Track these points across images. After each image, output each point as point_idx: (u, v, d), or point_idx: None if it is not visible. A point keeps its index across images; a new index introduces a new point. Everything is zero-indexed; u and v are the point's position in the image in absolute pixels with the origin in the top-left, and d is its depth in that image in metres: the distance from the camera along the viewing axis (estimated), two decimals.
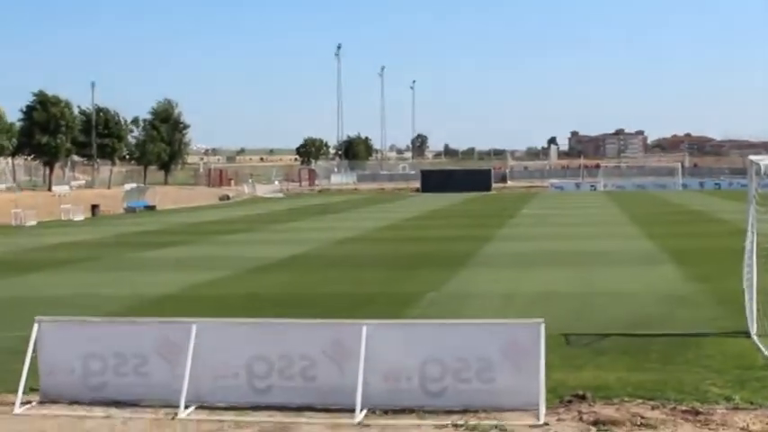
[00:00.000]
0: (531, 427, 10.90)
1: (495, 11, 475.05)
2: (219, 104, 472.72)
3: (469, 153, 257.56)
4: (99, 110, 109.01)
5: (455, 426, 10.94)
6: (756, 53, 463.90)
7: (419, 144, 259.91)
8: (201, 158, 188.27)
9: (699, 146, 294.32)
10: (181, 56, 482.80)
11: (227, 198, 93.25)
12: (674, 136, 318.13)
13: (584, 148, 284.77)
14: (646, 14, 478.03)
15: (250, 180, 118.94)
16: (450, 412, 11.34)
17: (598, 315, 18.71)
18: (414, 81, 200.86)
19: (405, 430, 10.97)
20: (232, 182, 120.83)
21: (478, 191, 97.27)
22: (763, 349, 14.64)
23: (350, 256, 31.99)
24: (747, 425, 10.82)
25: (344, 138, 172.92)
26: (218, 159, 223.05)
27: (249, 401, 11.86)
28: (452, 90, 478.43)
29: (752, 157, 16.44)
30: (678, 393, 12.20)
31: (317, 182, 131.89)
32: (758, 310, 16.06)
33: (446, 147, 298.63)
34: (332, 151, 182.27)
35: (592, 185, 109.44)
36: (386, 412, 11.45)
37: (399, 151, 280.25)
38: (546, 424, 10.96)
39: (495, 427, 10.83)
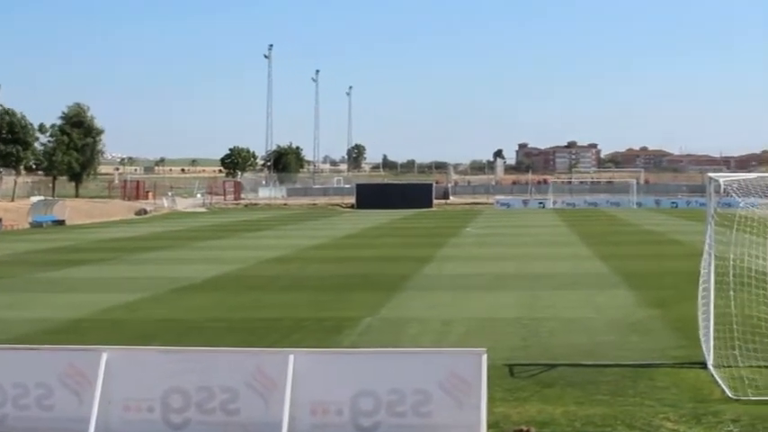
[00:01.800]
0: None
1: (436, 13, 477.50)
2: (137, 110, 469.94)
3: (409, 166, 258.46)
4: (5, 111, 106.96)
5: None
6: (715, 66, 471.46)
7: (355, 156, 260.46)
8: (117, 169, 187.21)
9: (655, 161, 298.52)
10: (94, 56, 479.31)
11: (145, 212, 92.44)
12: (630, 150, 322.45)
13: (532, 161, 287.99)
14: (601, 21, 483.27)
15: (170, 193, 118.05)
16: None
17: (545, 343, 18.82)
18: (350, 87, 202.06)
19: None
20: (150, 195, 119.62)
21: (418, 207, 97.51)
22: (719, 381, 14.82)
23: (278, 278, 31.87)
24: None
25: (274, 148, 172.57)
26: (135, 170, 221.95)
27: None
28: (392, 97, 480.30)
29: (711, 174, 16.62)
30: (629, 429, 12.31)
31: (243, 195, 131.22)
32: (715, 338, 16.27)
33: (384, 159, 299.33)
34: (260, 162, 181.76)
35: (540, 202, 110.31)
36: None
37: (334, 163, 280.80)
38: None
39: None
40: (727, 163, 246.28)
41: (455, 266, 35.17)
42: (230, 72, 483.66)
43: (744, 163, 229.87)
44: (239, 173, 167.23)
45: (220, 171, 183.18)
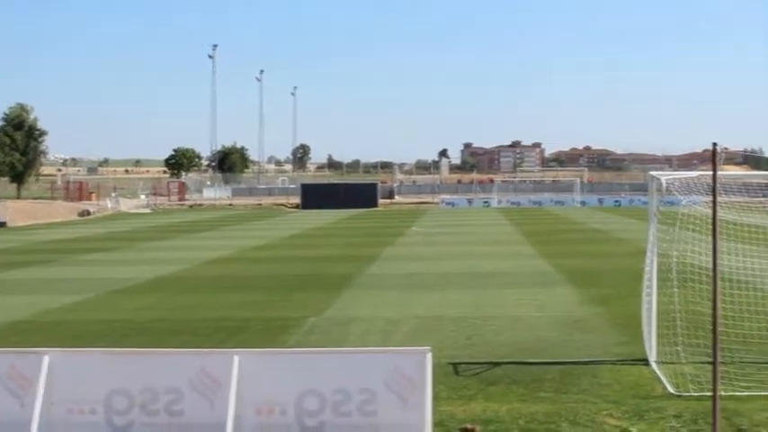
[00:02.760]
0: None
1: (381, 13, 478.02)
2: (80, 111, 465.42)
3: (355, 166, 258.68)
4: None
5: None
6: (658, 66, 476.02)
7: (300, 155, 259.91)
8: (59, 170, 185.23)
9: (599, 160, 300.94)
10: (36, 57, 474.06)
11: (88, 213, 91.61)
12: (573, 149, 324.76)
13: (477, 161, 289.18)
14: (544, 20, 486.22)
15: (114, 194, 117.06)
16: None
17: (489, 341, 18.91)
18: (295, 87, 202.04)
19: None
20: (94, 195, 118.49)
21: (364, 207, 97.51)
22: (662, 377, 14.97)
23: (222, 278, 31.75)
24: None
25: (218, 148, 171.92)
26: (79, 171, 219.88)
27: None
28: (337, 97, 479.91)
29: (653, 173, 16.78)
30: (572, 425, 12.40)
31: (187, 196, 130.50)
32: (657, 335, 16.44)
33: (330, 159, 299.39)
34: (204, 163, 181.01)
35: (485, 201, 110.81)
36: None
37: (279, 163, 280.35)
38: None
39: None
40: (669, 162, 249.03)
41: (401, 266, 35.22)
42: (174, 72, 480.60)
43: (686, 162, 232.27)
44: (184, 173, 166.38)
45: (165, 172, 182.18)
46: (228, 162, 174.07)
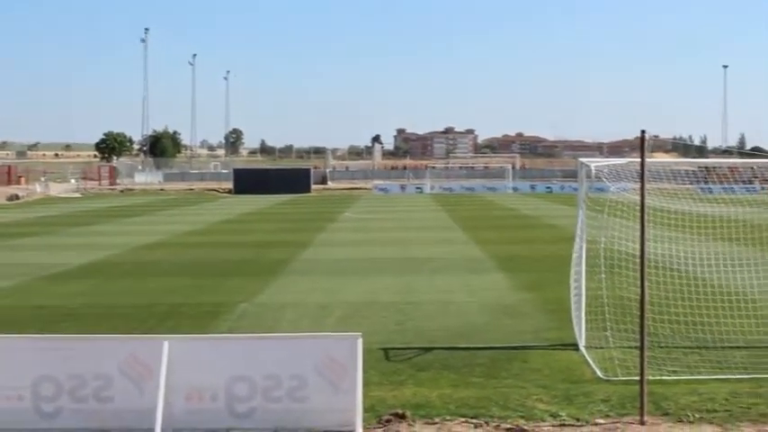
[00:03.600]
0: None
1: None
2: (8, 93, 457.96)
3: (288, 151, 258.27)
4: None
5: None
6: (589, 53, 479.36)
7: (233, 140, 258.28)
8: None
9: (531, 146, 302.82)
10: None
11: (17, 198, 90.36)
12: (506, 136, 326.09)
13: (410, 147, 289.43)
14: (469, 5, 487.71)
15: (43, 178, 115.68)
16: None
17: (420, 327, 18.96)
18: (228, 71, 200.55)
19: None
20: (23, 180, 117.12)
21: (297, 192, 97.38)
22: (591, 362, 15.12)
23: (153, 263, 31.50)
24: None
25: (150, 132, 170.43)
26: (8, 154, 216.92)
27: (36, 427, 11.51)
28: (270, 82, 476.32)
29: (582, 160, 16.89)
30: (503, 410, 12.48)
31: (118, 181, 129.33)
32: (586, 321, 16.60)
33: (263, 143, 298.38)
34: (136, 147, 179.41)
35: (418, 188, 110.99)
36: None
37: (211, 148, 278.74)
38: None
39: None
40: (600, 149, 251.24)
41: (333, 251, 35.22)
42: (106, 56, 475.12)
43: (617, 149, 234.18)
44: (115, 158, 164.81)
45: (95, 156, 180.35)
46: (160, 146, 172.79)
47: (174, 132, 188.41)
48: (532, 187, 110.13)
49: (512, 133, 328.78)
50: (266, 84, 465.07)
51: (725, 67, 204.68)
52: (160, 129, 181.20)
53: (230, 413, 11.51)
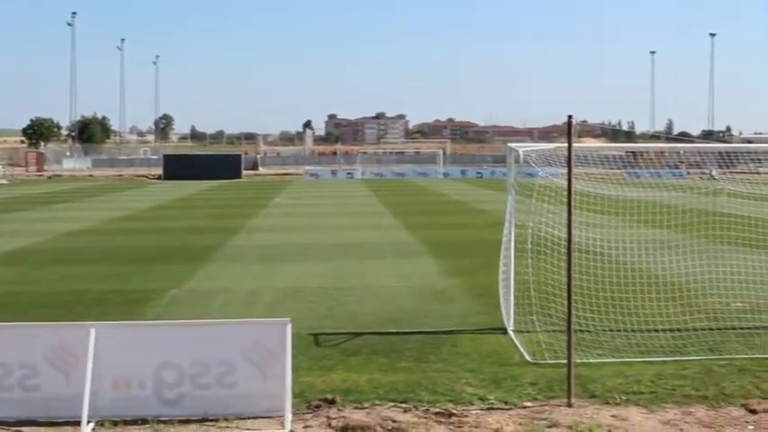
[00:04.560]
0: None
1: None
2: None
3: (218, 137, 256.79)
4: None
5: None
6: (518, 37, 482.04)
7: (163, 126, 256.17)
8: None
9: (462, 132, 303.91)
10: None
11: None
12: (437, 121, 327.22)
13: (342, 133, 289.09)
14: None
15: None
16: (187, 421, 11.26)
17: (350, 312, 18.98)
18: (157, 56, 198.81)
19: None
20: None
21: (227, 178, 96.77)
22: (519, 346, 15.24)
23: (81, 250, 31.16)
24: (501, 426, 11.24)
25: (78, 118, 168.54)
26: None
27: None
28: (200, 67, 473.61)
29: (511, 145, 16.98)
30: (432, 394, 12.54)
31: (46, 167, 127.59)
32: (515, 305, 16.72)
33: (193, 129, 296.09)
34: (64, 133, 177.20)
35: (349, 173, 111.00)
36: (116, 423, 11.23)
37: (141, 134, 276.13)
38: (292, 431, 11.01)
39: None
40: (530, 134, 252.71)
41: (264, 237, 35.10)
42: (32, 40, 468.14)
43: (546, 134, 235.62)
44: (42, 144, 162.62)
45: (22, 142, 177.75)
46: (88, 132, 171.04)
47: (103, 118, 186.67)
48: (463, 172, 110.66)
49: (443, 119, 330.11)
50: (196, 69, 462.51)
51: (652, 53, 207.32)
52: (89, 115, 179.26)
53: (158, 400, 11.44)
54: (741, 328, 16.63)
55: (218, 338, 11.64)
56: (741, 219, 22.40)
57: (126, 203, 58.48)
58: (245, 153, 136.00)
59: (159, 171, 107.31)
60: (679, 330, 16.38)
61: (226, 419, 11.29)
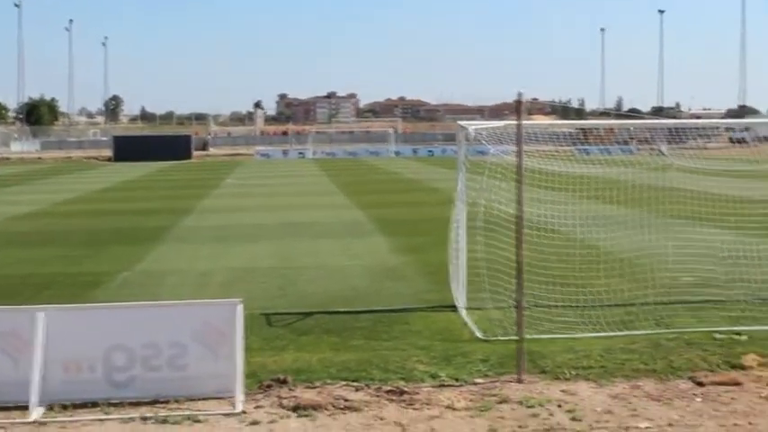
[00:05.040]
0: (227, 415, 10.90)
1: None
2: None
3: (168, 117, 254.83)
4: None
5: (143, 419, 10.80)
6: (468, 17, 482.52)
7: (113, 107, 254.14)
8: None
9: (413, 110, 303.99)
10: None
11: None
12: (388, 100, 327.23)
13: (293, 112, 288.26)
14: None
15: None
16: (138, 404, 11.20)
17: (302, 291, 18.98)
18: (106, 37, 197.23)
19: (86, 426, 10.71)
20: None
21: (178, 159, 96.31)
22: (469, 323, 15.30)
23: (31, 233, 30.90)
24: (452, 402, 11.28)
25: (26, 100, 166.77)
26: None
27: None
28: (149, 48, 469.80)
29: (461, 123, 16.99)
30: (383, 372, 12.55)
31: None
32: (466, 282, 16.77)
33: (143, 110, 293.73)
34: (11, 115, 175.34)
35: (301, 153, 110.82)
36: (66, 407, 11.14)
37: (90, 115, 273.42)
38: (243, 412, 10.99)
39: (188, 418, 10.77)
40: (481, 112, 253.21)
41: (215, 218, 34.97)
42: None
43: (497, 112, 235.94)
44: None
45: None
46: (36, 114, 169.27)
47: (52, 100, 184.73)
48: (414, 151, 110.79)
49: (394, 97, 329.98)
50: (146, 50, 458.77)
51: (602, 30, 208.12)
52: (36, 96, 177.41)
53: (109, 383, 11.37)
54: (690, 302, 16.78)
55: (169, 320, 11.59)
56: (690, 193, 22.60)
57: (76, 186, 58.02)
58: (196, 134, 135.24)
59: (109, 153, 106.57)
60: (628, 305, 16.50)
61: (177, 401, 11.24)
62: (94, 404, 11.24)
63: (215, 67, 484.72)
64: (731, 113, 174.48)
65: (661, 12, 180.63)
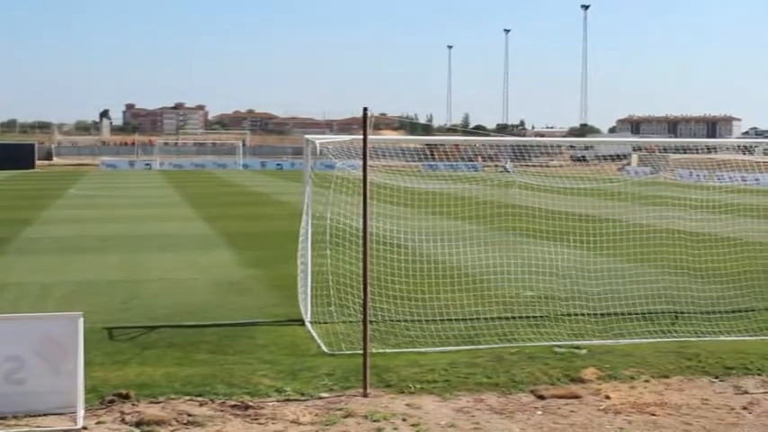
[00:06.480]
0: (68, 431, 10.65)
1: None
2: None
3: (11, 125, 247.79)
4: None
5: None
6: (319, 30, 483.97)
7: None
8: None
9: (261, 123, 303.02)
10: None
11: None
12: (237, 112, 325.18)
13: (140, 122, 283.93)
14: None
15: None
16: None
17: (146, 305, 18.67)
18: None
19: None
20: None
21: (20, 168, 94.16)
22: (316, 337, 15.29)
23: None
24: (298, 417, 11.24)
25: None
26: None
27: None
28: None
29: (308, 137, 17.03)
30: (228, 387, 12.43)
31: None
32: (313, 296, 16.77)
33: None
34: None
35: (147, 164, 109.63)
36: None
37: None
38: (84, 428, 10.75)
39: None
40: (330, 126, 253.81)
41: (58, 229, 34.25)
42: None
43: (346, 126, 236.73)
44: None
45: None
46: None
47: None
48: (263, 164, 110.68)
49: (243, 110, 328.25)
50: None
51: (449, 47, 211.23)
52: None
53: None
54: (531, 317, 17.13)
55: (7, 334, 11.23)
56: (532, 210, 23.10)
57: None
58: (40, 142, 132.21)
59: None
60: (472, 320, 16.73)
61: (15, 417, 10.92)
62: None
63: (60, 75, 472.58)
64: (573, 132, 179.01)
65: (507, 31, 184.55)
